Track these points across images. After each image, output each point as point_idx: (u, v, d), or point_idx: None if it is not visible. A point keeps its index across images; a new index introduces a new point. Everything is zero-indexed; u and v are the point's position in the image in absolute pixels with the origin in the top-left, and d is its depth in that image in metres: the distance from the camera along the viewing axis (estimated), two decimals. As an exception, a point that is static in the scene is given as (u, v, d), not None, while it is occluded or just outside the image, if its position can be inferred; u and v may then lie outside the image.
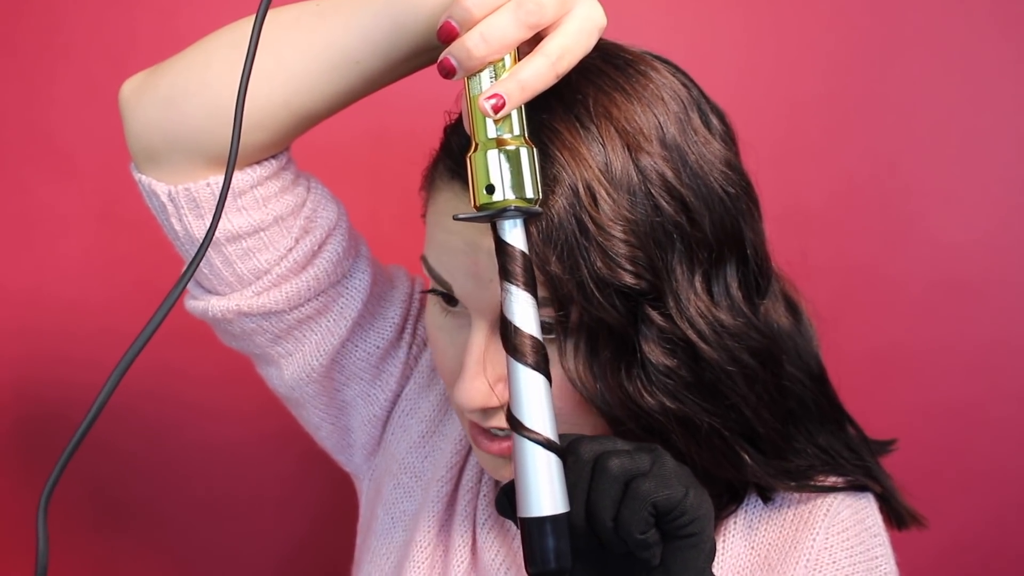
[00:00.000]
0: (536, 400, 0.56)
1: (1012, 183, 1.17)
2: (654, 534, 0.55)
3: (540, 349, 0.56)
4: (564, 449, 0.57)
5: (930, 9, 1.15)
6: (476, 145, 0.56)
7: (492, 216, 0.56)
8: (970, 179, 1.17)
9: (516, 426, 0.56)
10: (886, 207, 1.17)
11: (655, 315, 0.63)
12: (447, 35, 0.56)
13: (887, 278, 1.18)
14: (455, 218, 0.58)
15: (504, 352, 0.57)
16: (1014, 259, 1.18)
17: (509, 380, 0.56)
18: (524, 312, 0.56)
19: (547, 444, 0.55)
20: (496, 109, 0.55)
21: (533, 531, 0.55)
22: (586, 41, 0.57)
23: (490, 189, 0.55)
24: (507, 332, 0.56)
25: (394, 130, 1.10)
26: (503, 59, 0.56)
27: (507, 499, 0.59)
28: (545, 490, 0.55)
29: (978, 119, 1.16)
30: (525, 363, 0.56)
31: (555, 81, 0.56)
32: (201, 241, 0.69)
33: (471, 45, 0.54)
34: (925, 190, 1.17)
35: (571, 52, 0.56)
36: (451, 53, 0.55)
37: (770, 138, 1.15)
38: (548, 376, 0.56)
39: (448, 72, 0.56)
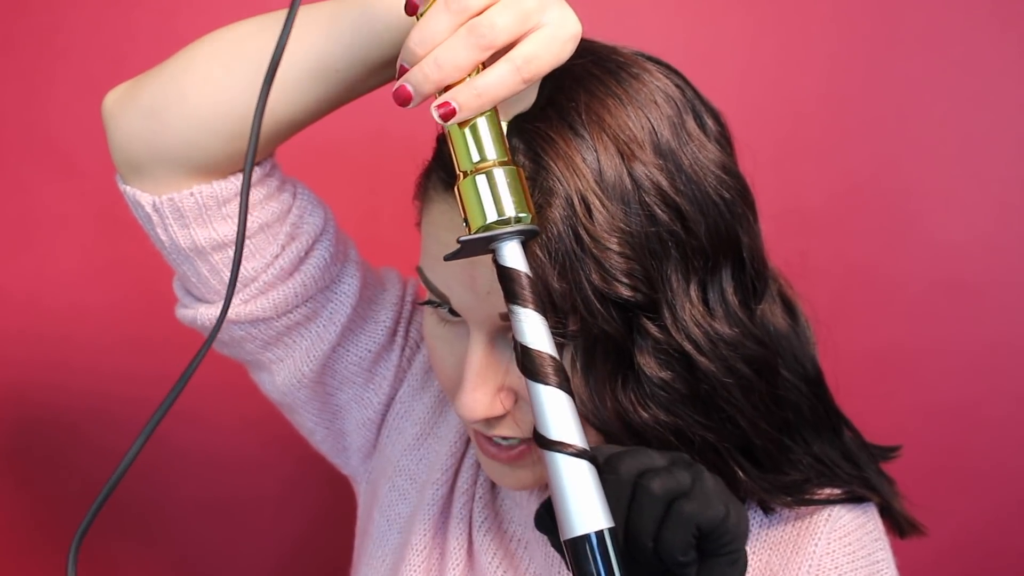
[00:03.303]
0: (566, 418, 0.54)
1: (1012, 183, 1.16)
2: (693, 553, 0.54)
3: (560, 368, 0.54)
4: (602, 465, 0.55)
5: (930, 9, 1.15)
6: (459, 175, 0.56)
7: (485, 245, 0.55)
8: (970, 179, 1.16)
9: (551, 445, 0.53)
10: (886, 207, 1.17)
11: (651, 327, 0.62)
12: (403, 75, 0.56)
13: (887, 278, 1.18)
14: (446, 259, 0.57)
15: (522, 375, 0.55)
16: (1014, 259, 1.17)
17: (533, 404, 0.54)
18: (537, 332, 0.54)
19: (584, 455, 0.53)
20: (444, 117, 0.54)
21: (581, 551, 0.53)
22: (558, 49, 0.56)
23: (474, 220, 0.55)
24: (525, 357, 0.54)
25: (393, 131, 1.10)
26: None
27: (549, 515, 0.56)
28: (592, 506, 0.53)
29: (978, 119, 1.16)
30: (547, 383, 0.54)
31: (523, 87, 0.55)
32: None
33: (427, 70, 0.54)
34: (925, 190, 1.17)
35: (539, 58, 0.55)
36: (407, 80, 0.55)
37: (771, 138, 1.15)
38: (571, 392, 0.55)
39: (403, 100, 0.55)
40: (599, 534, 0.52)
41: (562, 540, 0.53)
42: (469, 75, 0.55)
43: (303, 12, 0.65)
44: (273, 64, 0.55)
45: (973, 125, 1.16)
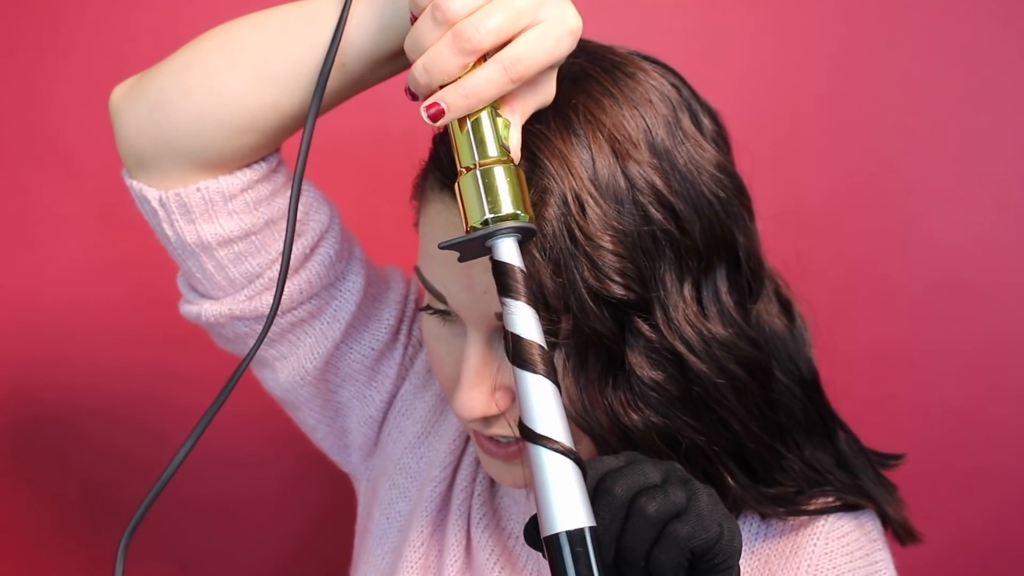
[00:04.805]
0: (552, 409, 0.53)
1: (1012, 183, 1.16)
2: (684, 573, 0.54)
3: (548, 357, 0.54)
4: (596, 484, 0.54)
5: (930, 9, 1.15)
6: (459, 171, 0.56)
7: (482, 242, 0.56)
8: (970, 179, 1.16)
9: (533, 437, 0.53)
10: (886, 207, 1.17)
11: (643, 326, 0.62)
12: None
13: (887, 278, 1.18)
14: (459, 260, 0.58)
15: (511, 365, 0.54)
16: (1013, 259, 1.17)
17: (520, 393, 0.54)
18: (527, 323, 0.54)
19: (568, 453, 0.52)
20: (433, 118, 0.55)
21: (558, 549, 0.51)
22: (552, 46, 0.56)
23: (472, 216, 0.55)
24: (515, 346, 0.54)
25: (393, 131, 1.10)
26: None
27: (536, 531, 0.55)
28: (571, 502, 0.52)
29: (978, 119, 1.16)
30: (535, 371, 0.53)
31: (513, 86, 0.55)
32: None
33: (417, 75, 0.56)
34: (925, 190, 1.17)
35: (530, 57, 0.55)
36: (408, 81, 0.58)
37: (770, 138, 1.15)
38: (559, 384, 0.54)
39: (410, 98, 0.59)
40: (578, 532, 0.51)
41: (541, 538, 0.53)
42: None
43: (310, 6, 0.65)
44: (328, 61, 0.59)
45: (973, 125, 1.16)
